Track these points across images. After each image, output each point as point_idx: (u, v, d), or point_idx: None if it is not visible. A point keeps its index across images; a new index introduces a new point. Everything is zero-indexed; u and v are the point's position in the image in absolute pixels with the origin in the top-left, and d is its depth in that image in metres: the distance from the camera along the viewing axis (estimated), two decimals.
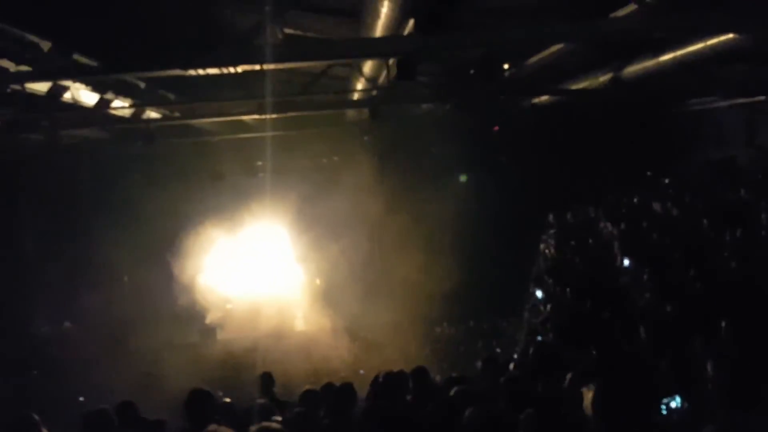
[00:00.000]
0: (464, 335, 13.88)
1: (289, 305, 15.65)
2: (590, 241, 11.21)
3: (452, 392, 4.69)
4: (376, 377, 5.53)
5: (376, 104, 11.72)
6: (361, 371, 10.66)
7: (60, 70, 7.95)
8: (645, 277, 8.53)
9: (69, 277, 13.31)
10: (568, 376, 4.57)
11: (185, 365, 11.56)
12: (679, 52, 8.27)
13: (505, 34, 7.53)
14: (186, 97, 11.59)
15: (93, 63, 7.96)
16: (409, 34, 7.14)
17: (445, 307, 13.68)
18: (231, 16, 8.76)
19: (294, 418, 4.14)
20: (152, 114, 11.99)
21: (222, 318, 15.48)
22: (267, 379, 6.77)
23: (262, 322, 14.78)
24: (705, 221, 9.14)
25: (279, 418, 4.52)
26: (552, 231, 12.28)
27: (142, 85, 10.62)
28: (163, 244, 14.59)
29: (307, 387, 5.50)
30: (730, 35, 7.18)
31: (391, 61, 8.66)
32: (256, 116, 11.79)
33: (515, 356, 8.78)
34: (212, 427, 3.49)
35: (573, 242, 11.35)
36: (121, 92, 10.44)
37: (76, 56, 7.76)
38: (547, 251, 11.92)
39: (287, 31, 8.90)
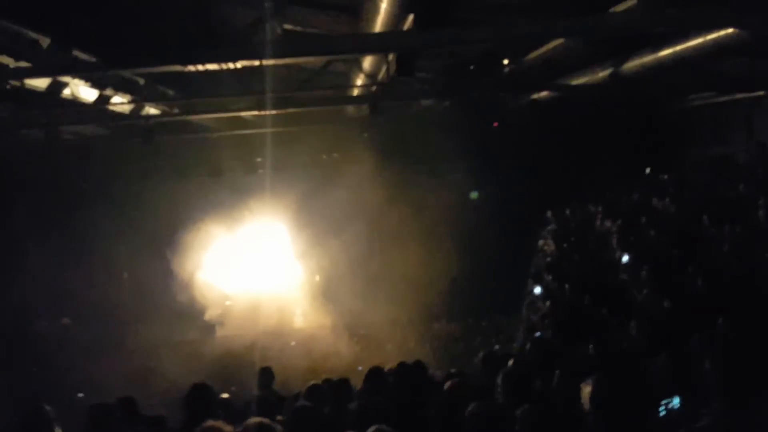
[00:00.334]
0: (463, 331, 13.90)
1: (288, 302, 15.66)
2: (589, 237, 11.23)
3: (451, 387, 4.71)
4: (372, 371, 5.54)
5: (376, 100, 11.71)
6: (360, 368, 10.68)
7: (59, 66, 7.95)
8: (643, 273, 8.55)
9: (68, 274, 13.30)
10: (566, 371, 4.58)
11: (184, 362, 11.57)
12: (678, 48, 8.27)
13: (504, 30, 7.52)
14: (185, 93, 11.58)
15: (92, 59, 7.96)
16: (409, 30, 7.13)
17: (444, 303, 13.72)
18: (230, 12, 8.76)
19: (297, 412, 4.14)
20: (151, 110, 11.99)
21: (221, 315, 15.49)
22: (267, 374, 6.77)
23: (261, 319, 14.80)
24: (703, 217, 9.14)
25: (280, 417, 4.51)
26: (551, 227, 12.30)
27: (142, 81, 10.61)
28: (163, 240, 14.60)
29: (313, 382, 5.50)
30: (729, 30, 7.18)
31: (390, 57, 8.66)
32: (255, 112, 11.80)
33: (514, 352, 8.79)
34: (210, 422, 3.50)
35: (572, 238, 11.37)
36: (120, 88, 10.43)
37: (75, 52, 7.76)
38: (545, 247, 11.94)
39: (287, 26, 8.90)
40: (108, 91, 10.24)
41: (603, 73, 10.37)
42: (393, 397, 4.83)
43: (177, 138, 13.70)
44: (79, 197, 14.24)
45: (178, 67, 7.33)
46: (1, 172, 13.07)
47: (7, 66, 7.69)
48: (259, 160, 15.14)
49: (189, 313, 15.07)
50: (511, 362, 5.39)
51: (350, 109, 13.98)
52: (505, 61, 10.46)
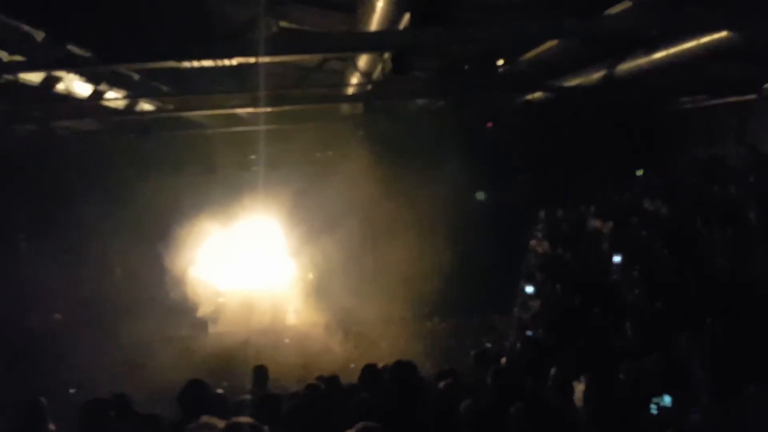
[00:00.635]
0: (455, 330, 13.94)
1: (281, 299, 15.65)
2: (581, 237, 11.30)
3: (443, 385, 4.74)
4: (366, 369, 5.56)
5: (371, 98, 11.72)
6: (352, 365, 10.70)
7: (54, 60, 7.90)
8: (635, 273, 8.61)
9: (60, 269, 13.25)
10: (557, 370, 4.62)
11: (176, 358, 11.56)
12: (672, 50, 8.31)
13: (499, 30, 7.54)
14: (180, 89, 11.55)
15: (87, 54, 7.90)
16: (405, 28, 7.14)
17: (438, 301, 13.75)
18: (226, 9, 8.74)
19: (292, 410, 4.15)
20: (146, 106, 11.95)
21: (214, 311, 15.46)
22: (261, 372, 6.77)
23: (254, 316, 14.79)
24: (695, 219, 9.21)
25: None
26: (543, 227, 12.36)
27: (136, 76, 10.58)
28: (156, 236, 14.55)
29: (309, 382, 5.51)
30: (724, 33, 7.22)
31: (385, 56, 8.65)
32: (250, 109, 11.77)
33: (505, 351, 8.84)
34: (205, 418, 3.51)
35: (564, 238, 11.43)
36: (114, 84, 10.39)
37: (69, 47, 7.71)
38: (538, 247, 11.99)
39: (282, 24, 8.89)
40: (102, 86, 10.19)
41: (597, 75, 10.42)
42: (387, 395, 4.85)
43: (171, 134, 13.67)
44: (71, 192, 14.18)
45: (173, 63, 7.30)
46: None
47: (0, 60, 7.64)
48: (253, 157, 15.13)
49: (181, 310, 15.03)
50: (503, 360, 5.43)
51: (345, 107, 13.97)
52: (500, 62, 10.50)
